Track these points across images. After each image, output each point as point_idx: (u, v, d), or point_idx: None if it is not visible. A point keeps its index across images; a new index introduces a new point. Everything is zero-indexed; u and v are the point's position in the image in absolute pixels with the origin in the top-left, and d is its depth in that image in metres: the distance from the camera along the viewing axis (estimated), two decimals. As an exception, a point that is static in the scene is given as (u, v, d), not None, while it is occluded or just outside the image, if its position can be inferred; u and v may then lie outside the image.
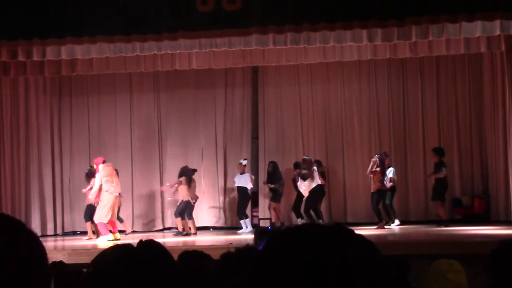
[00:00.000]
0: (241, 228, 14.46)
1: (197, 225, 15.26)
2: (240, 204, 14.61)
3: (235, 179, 14.82)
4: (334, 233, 1.34)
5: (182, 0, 11.94)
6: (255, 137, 16.09)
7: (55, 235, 15.43)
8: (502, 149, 14.03)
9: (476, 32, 12.03)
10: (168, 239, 12.99)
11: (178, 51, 13.15)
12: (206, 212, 15.86)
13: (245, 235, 13.60)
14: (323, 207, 15.07)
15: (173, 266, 2.54)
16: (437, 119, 15.54)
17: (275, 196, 14.70)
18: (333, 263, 1.27)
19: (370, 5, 11.67)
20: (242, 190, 14.59)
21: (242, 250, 4.13)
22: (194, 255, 4.22)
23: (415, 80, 15.67)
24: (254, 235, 10.98)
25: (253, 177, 14.90)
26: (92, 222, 13.50)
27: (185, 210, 13.99)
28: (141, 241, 2.49)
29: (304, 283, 1.27)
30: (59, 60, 13.35)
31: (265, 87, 16.08)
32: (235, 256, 4.02)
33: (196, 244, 12.23)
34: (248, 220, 14.55)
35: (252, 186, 14.72)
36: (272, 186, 14.66)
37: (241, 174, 14.70)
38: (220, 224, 15.85)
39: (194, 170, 14.38)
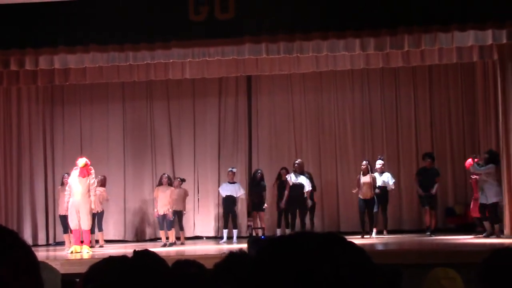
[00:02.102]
0: (233, 237, 14.39)
1: (191, 235, 15.30)
2: (232, 213, 14.39)
3: (224, 188, 14.48)
4: (327, 241, 1.34)
5: (175, 9, 11.97)
6: (249, 147, 16.05)
7: (47, 245, 15.35)
8: (495, 158, 14.06)
9: (469, 41, 12.10)
10: (160, 249, 12.94)
11: (171, 61, 13.15)
12: (199, 221, 15.84)
13: (235, 244, 13.52)
14: (315, 214, 15.13)
15: (170, 275, 2.53)
16: (430, 128, 15.58)
17: (262, 204, 14.63)
18: (326, 271, 1.27)
19: (362, 15, 11.73)
20: (232, 199, 14.40)
21: (235, 256, 4.11)
22: (187, 265, 4.21)
23: (407, 89, 15.72)
24: (248, 244, 10.98)
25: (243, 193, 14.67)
26: (71, 232, 13.28)
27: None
28: (135, 251, 2.48)
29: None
30: (52, 69, 13.34)
31: (259, 96, 16.10)
32: (228, 263, 4.01)
33: (187, 254, 12.19)
34: (226, 231, 14.31)
35: (240, 196, 14.57)
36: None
37: (231, 183, 14.45)
38: (213, 233, 15.80)
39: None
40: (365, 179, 13.84)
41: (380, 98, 15.77)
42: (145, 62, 13.11)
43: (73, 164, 15.52)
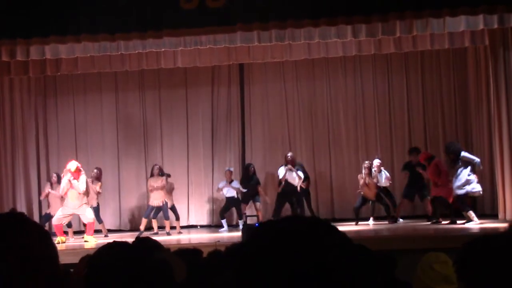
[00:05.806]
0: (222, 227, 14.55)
1: (184, 224, 15.34)
2: (226, 208, 14.60)
3: (225, 188, 14.48)
4: (313, 225, 1.35)
5: (165, -3, 11.92)
6: (242, 135, 16.03)
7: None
8: (487, 144, 14.12)
9: (460, 26, 12.11)
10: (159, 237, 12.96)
11: (163, 49, 13.13)
12: (193, 210, 15.86)
13: (228, 232, 13.78)
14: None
15: (172, 262, 2.55)
16: (423, 114, 15.60)
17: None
18: (314, 254, 1.28)
19: (354, 1, 11.71)
20: (232, 198, 14.48)
21: (230, 249, 4.14)
22: (188, 252, 4.24)
23: (400, 75, 15.73)
24: (242, 232, 11.04)
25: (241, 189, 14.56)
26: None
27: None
28: (137, 237, 2.52)
29: (286, 281, 1.27)
30: (44, 59, 13.30)
31: (251, 84, 16.07)
32: (223, 254, 4.03)
33: (182, 242, 12.23)
34: (224, 221, 14.51)
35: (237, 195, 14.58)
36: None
37: (230, 182, 14.46)
38: (206, 222, 15.83)
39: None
40: (369, 180, 13.84)
41: (373, 84, 15.77)
42: (136, 51, 13.07)
43: (67, 154, 15.57)
